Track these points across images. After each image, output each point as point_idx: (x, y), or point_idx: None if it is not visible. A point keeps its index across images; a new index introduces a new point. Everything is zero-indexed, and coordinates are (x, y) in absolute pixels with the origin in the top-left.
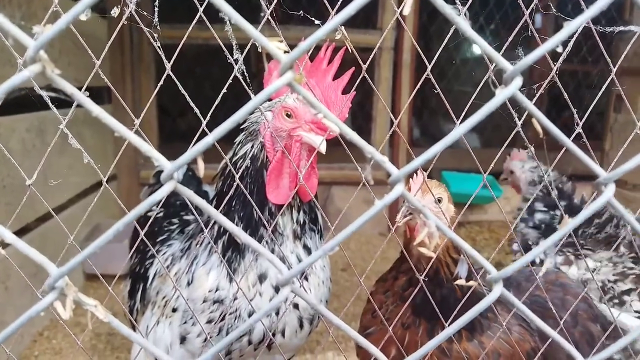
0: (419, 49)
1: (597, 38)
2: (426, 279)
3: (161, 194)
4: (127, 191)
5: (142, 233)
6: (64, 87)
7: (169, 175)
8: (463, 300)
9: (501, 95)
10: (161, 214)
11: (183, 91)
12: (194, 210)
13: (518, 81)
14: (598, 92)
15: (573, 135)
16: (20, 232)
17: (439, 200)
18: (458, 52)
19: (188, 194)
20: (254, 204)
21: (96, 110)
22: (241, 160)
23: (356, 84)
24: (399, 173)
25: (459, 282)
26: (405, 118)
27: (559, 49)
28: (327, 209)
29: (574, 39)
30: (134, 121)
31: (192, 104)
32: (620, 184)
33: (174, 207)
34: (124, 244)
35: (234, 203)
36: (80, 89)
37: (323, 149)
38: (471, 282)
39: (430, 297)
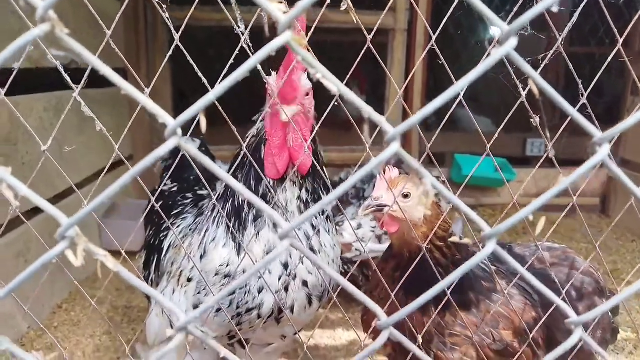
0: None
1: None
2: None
3: (165, 148)
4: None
5: (153, 201)
6: (73, 46)
7: (172, 131)
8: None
9: (497, 54)
10: (175, 189)
11: (193, 64)
12: (204, 182)
13: (513, 41)
14: (614, 76)
15: (578, 106)
16: (38, 209)
17: (406, 196)
18: (473, 35)
19: (193, 152)
20: (261, 174)
21: (106, 70)
22: (250, 137)
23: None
24: (394, 131)
25: (453, 239)
26: (419, 101)
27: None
28: None
29: (578, 12)
30: (145, 90)
31: (200, 75)
32: (623, 163)
33: (187, 182)
34: (139, 223)
35: (238, 176)
36: (95, 68)
37: (284, 117)
38: (465, 240)
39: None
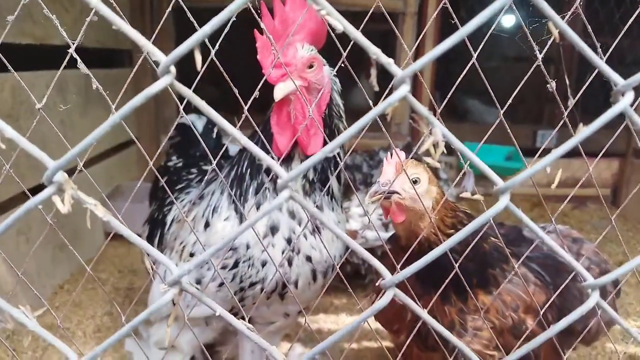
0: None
1: None
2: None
3: (158, 86)
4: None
5: (150, 163)
6: None
7: (165, 69)
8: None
9: None
10: (180, 164)
11: (192, 20)
12: (209, 154)
13: None
14: (629, 67)
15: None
16: (38, 189)
17: (415, 182)
18: (485, 25)
19: (188, 94)
20: (268, 147)
21: (101, 7)
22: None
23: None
24: (403, 73)
25: (463, 194)
26: (428, 91)
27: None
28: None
29: None
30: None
31: (196, 25)
32: (635, 153)
33: (193, 157)
34: (144, 205)
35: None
36: (102, 50)
37: (276, 96)
38: (477, 196)
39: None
